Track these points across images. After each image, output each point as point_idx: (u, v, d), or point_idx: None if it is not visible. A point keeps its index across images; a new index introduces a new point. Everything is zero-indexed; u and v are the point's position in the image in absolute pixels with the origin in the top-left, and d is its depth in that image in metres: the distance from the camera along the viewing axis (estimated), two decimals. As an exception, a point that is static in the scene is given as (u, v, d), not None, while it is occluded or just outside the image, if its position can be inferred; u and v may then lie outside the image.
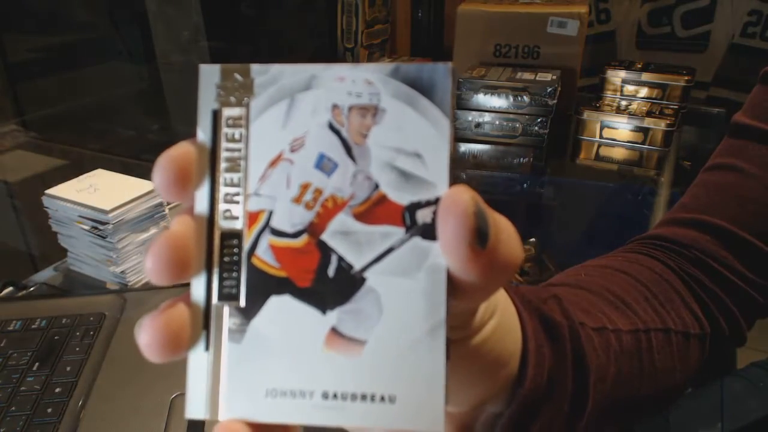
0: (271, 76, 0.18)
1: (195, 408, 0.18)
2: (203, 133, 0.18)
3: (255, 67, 0.18)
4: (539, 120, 1.13)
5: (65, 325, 0.59)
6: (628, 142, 1.14)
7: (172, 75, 1.45)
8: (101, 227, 0.67)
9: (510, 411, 0.23)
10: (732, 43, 1.64)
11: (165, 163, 0.17)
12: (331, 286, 0.17)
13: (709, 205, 0.40)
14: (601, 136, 1.16)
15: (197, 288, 0.18)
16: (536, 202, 1.08)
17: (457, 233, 0.16)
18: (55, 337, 0.57)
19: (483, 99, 1.15)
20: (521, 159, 1.15)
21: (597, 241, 0.93)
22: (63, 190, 0.70)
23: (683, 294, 0.37)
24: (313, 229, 0.18)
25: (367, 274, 0.17)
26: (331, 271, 0.17)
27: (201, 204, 0.18)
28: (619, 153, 1.15)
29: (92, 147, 1.44)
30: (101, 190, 0.70)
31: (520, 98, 1.12)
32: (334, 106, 0.18)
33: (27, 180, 1.25)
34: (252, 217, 0.18)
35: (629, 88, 1.21)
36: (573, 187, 1.10)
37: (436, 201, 0.17)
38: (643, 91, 1.21)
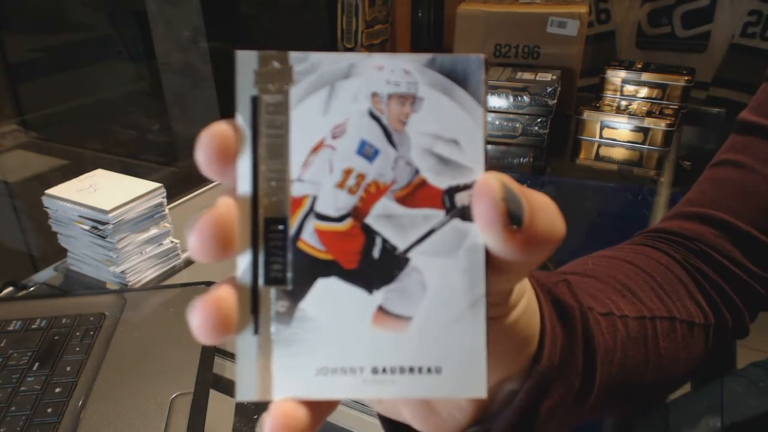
0: (310, 64, 0.18)
1: (246, 390, 0.18)
2: (243, 119, 0.18)
3: (294, 55, 0.18)
4: (539, 120, 1.13)
5: (65, 325, 0.59)
6: (628, 142, 1.14)
7: (172, 75, 1.45)
8: (101, 227, 0.67)
9: (527, 387, 0.24)
10: (732, 43, 1.64)
11: (207, 140, 0.17)
12: (376, 267, 0.18)
13: (715, 200, 0.41)
14: (601, 136, 1.16)
15: (244, 272, 0.18)
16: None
17: (491, 217, 0.17)
18: (55, 337, 0.57)
19: (483, 99, 1.14)
20: (521, 159, 1.15)
21: (597, 241, 0.93)
22: (63, 190, 0.70)
23: (688, 285, 0.38)
24: (357, 213, 0.18)
25: (410, 255, 0.18)
26: (375, 252, 0.18)
27: (244, 189, 0.18)
28: (619, 153, 1.15)
29: (92, 147, 1.44)
30: (101, 190, 0.70)
31: (520, 98, 1.12)
32: (374, 94, 0.18)
33: (27, 180, 1.25)
34: (296, 203, 0.18)
35: (629, 88, 1.21)
36: (573, 187, 1.10)
37: (473, 184, 0.18)
38: (643, 91, 1.21)
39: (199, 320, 0.17)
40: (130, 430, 0.47)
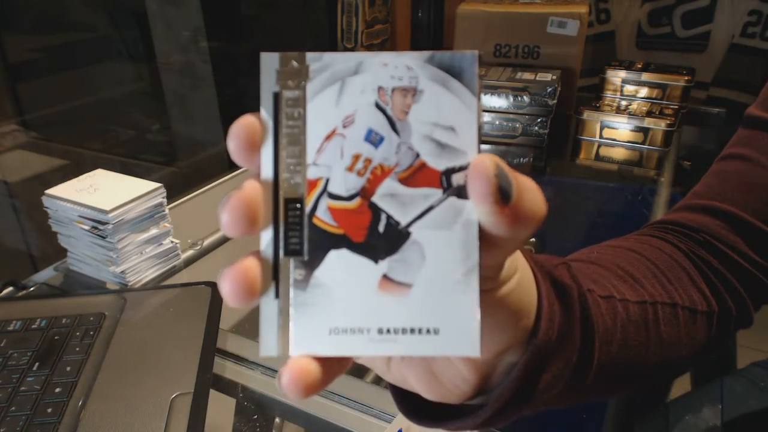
0: (324, 63, 0.21)
1: (268, 347, 0.20)
2: (266, 113, 0.21)
3: (310, 55, 0.21)
4: (539, 120, 1.13)
5: (65, 325, 0.59)
6: (628, 142, 1.14)
7: (172, 75, 1.45)
8: (101, 227, 0.67)
9: (524, 359, 0.25)
10: (732, 43, 1.64)
11: (237, 131, 0.20)
12: (381, 240, 0.21)
13: (720, 193, 0.42)
14: (601, 136, 1.16)
15: (266, 245, 0.21)
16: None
17: (484, 192, 0.19)
18: (55, 337, 0.57)
19: (483, 99, 1.15)
20: (521, 159, 1.15)
21: (597, 241, 0.93)
22: (63, 190, 0.70)
23: (692, 273, 0.38)
24: (365, 193, 0.21)
25: (411, 229, 0.21)
26: (381, 227, 0.21)
27: (267, 173, 0.21)
28: (619, 153, 1.15)
29: (92, 147, 1.44)
30: (101, 190, 0.70)
31: (520, 98, 1.12)
32: (380, 88, 0.21)
33: (27, 180, 1.25)
34: (311, 184, 0.21)
35: (629, 88, 1.21)
36: (573, 187, 1.10)
37: (468, 166, 0.20)
38: (643, 91, 1.21)
39: (228, 286, 0.20)
40: (130, 430, 0.47)
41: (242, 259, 0.20)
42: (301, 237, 0.21)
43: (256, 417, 0.55)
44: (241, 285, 0.20)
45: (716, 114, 1.33)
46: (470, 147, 0.20)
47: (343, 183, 0.21)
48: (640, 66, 1.22)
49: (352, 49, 1.41)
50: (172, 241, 0.75)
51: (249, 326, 0.67)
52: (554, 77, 1.14)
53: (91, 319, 0.60)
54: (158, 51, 1.43)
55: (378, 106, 0.21)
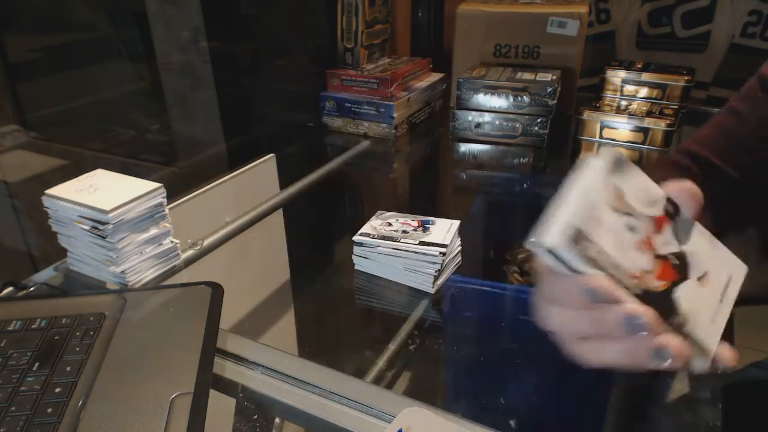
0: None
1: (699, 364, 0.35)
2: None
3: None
4: (539, 120, 1.13)
5: (65, 325, 0.59)
6: (628, 142, 1.14)
7: (172, 75, 1.45)
8: (101, 227, 0.67)
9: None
10: (732, 43, 1.64)
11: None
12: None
13: (705, 138, 0.56)
14: (601, 136, 1.16)
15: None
16: (536, 202, 1.08)
17: None
18: (55, 337, 0.57)
19: (483, 99, 1.15)
20: (521, 159, 1.15)
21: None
22: (63, 190, 0.70)
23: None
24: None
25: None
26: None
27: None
28: (619, 153, 1.15)
29: (92, 147, 1.44)
30: (101, 190, 0.70)
31: (520, 98, 1.12)
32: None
33: (27, 180, 1.25)
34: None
35: (629, 88, 1.21)
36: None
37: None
38: (643, 91, 1.21)
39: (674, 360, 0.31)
40: (130, 430, 0.47)
41: (667, 336, 0.31)
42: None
43: (256, 417, 0.55)
44: (681, 358, 0.31)
45: (716, 114, 1.33)
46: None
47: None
48: (640, 66, 1.22)
49: (351, 50, 1.41)
50: (172, 241, 0.75)
51: (249, 326, 0.67)
52: (554, 77, 1.14)
53: (91, 319, 0.60)
54: (158, 51, 1.43)
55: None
